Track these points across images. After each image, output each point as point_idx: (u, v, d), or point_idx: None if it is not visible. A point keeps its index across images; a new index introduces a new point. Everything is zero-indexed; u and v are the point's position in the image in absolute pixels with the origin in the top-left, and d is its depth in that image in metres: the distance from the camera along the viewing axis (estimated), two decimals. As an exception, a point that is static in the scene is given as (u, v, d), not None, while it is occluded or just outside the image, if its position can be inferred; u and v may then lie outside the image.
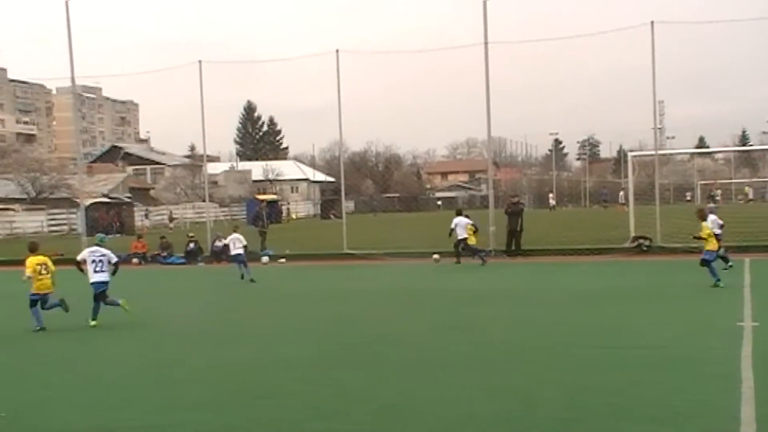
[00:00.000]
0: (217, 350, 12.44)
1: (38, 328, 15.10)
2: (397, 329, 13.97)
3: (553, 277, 22.41)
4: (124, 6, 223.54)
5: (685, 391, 8.88)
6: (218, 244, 32.06)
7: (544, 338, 12.45)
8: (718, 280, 17.80)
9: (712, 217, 20.29)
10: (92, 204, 56.52)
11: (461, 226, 26.64)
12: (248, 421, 8.32)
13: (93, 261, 15.76)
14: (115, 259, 16.11)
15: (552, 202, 77.00)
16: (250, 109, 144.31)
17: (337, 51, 31.51)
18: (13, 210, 61.94)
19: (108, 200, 66.78)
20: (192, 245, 32.91)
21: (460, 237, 26.58)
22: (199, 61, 34.14)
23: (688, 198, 79.21)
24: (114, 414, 8.75)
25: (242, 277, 23.52)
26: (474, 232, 26.88)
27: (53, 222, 62.07)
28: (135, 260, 32.20)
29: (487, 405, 8.57)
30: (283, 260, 30.70)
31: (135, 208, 66.77)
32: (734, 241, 25.51)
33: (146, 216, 66.88)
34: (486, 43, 29.61)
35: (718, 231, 20.11)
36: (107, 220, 57.91)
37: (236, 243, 24.03)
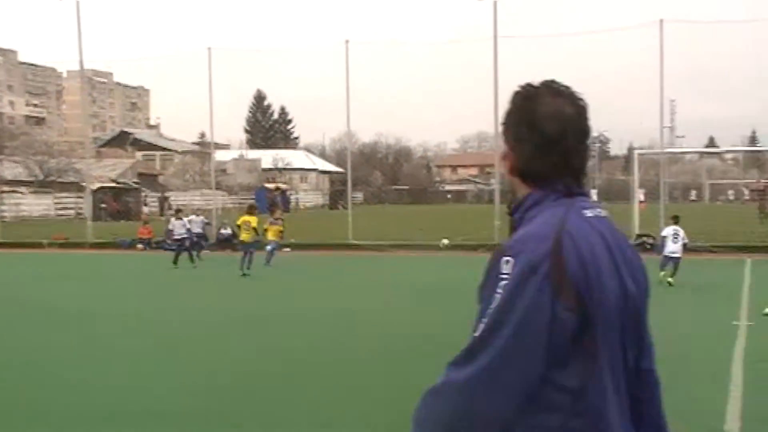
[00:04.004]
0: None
1: None
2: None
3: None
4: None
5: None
6: (223, 231, 32.29)
7: None
8: None
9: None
10: (99, 188, 56.70)
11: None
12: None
13: None
14: None
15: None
16: (260, 97, 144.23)
17: (346, 42, 31.56)
18: (20, 193, 62.17)
19: (116, 185, 66.96)
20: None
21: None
22: (209, 48, 34.35)
23: (693, 198, 79.17)
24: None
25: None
26: None
27: (60, 206, 62.31)
28: (140, 246, 32.35)
29: None
30: (287, 249, 30.73)
31: (142, 194, 66.93)
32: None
33: (145, 203, 65.93)
34: (495, 38, 29.61)
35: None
36: (114, 206, 58.16)
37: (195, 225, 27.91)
